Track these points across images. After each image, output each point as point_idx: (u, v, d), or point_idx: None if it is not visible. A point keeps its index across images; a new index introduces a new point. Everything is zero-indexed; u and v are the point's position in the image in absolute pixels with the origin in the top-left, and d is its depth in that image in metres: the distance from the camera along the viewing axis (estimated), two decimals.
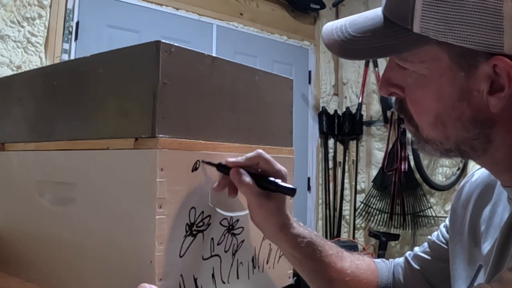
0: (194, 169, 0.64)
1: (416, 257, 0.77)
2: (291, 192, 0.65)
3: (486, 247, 0.60)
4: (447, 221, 0.74)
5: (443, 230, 0.75)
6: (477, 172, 0.71)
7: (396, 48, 0.51)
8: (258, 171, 0.66)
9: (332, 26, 0.57)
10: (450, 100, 0.51)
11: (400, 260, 0.80)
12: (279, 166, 0.66)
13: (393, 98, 0.59)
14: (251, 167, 0.65)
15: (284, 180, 0.66)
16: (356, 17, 0.56)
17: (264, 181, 0.65)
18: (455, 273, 0.67)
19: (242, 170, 0.64)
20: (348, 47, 0.54)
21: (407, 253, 0.79)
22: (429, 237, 0.78)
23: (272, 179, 0.65)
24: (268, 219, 0.67)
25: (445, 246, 0.73)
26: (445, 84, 0.51)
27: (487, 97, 0.49)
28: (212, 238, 0.67)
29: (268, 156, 0.66)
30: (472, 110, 0.50)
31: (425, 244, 0.78)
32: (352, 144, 3.45)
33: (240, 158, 0.65)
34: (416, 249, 0.79)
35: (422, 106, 0.54)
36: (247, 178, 0.64)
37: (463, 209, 0.70)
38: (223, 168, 0.65)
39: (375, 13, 0.54)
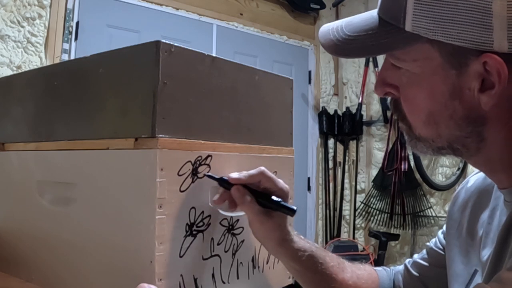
0: (195, 172, 0.64)
1: (415, 264, 0.78)
2: (291, 212, 0.65)
3: (486, 253, 0.60)
4: (444, 227, 0.75)
5: (441, 236, 0.76)
6: (472, 178, 0.72)
7: (389, 46, 0.52)
8: (260, 188, 0.66)
9: (329, 27, 0.59)
10: (442, 98, 0.51)
11: (400, 267, 0.81)
12: (281, 184, 0.67)
13: (389, 98, 0.60)
14: (253, 184, 0.66)
15: (285, 198, 0.67)
16: (352, 18, 0.58)
17: (265, 199, 0.65)
18: (451, 278, 0.67)
19: (243, 188, 0.64)
20: (342, 46, 0.55)
21: (407, 261, 0.80)
22: (428, 243, 0.79)
23: (274, 198, 0.66)
24: (269, 235, 0.68)
25: (442, 253, 0.73)
26: (437, 83, 0.51)
27: (479, 95, 0.49)
28: (212, 238, 0.67)
29: (270, 174, 0.66)
30: (464, 108, 0.51)
31: (424, 251, 0.79)
32: (352, 144, 3.45)
33: (242, 175, 0.65)
34: (415, 256, 0.80)
35: (415, 105, 0.55)
36: (249, 197, 0.64)
37: (460, 214, 0.70)
38: (225, 183, 0.65)
39: (371, 14, 0.56)
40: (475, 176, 0.71)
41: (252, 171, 0.66)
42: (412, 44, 0.50)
